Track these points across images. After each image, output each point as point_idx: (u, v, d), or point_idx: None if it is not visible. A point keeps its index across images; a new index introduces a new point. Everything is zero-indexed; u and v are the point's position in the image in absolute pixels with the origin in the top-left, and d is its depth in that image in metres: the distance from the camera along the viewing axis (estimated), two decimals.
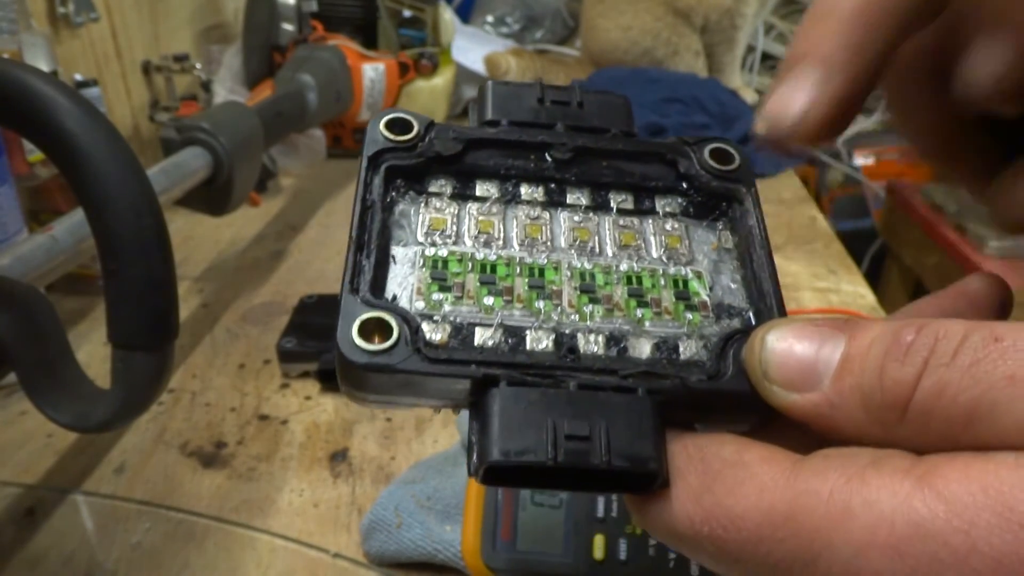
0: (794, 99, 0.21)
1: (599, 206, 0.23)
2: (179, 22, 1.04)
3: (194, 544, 0.44)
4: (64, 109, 0.30)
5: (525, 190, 0.23)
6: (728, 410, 0.19)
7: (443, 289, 0.20)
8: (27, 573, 0.42)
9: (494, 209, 0.23)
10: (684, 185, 0.24)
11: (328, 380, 0.57)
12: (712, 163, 0.23)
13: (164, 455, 0.51)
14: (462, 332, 0.20)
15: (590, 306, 0.21)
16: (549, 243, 0.22)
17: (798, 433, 0.17)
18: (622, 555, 0.37)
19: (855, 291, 0.71)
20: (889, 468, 0.15)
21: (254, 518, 0.46)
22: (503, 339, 0.20)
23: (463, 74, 1.16)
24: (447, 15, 1.06)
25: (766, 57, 1.77)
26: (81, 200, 0.31)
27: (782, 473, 0.16)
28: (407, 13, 1.03)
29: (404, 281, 0.21)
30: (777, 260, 0.23)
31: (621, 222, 0.23)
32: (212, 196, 0.64)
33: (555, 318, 0.20)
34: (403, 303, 0.20)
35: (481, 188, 0.23)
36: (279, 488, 0.48)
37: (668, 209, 0.23)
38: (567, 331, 0.20)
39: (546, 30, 1.48)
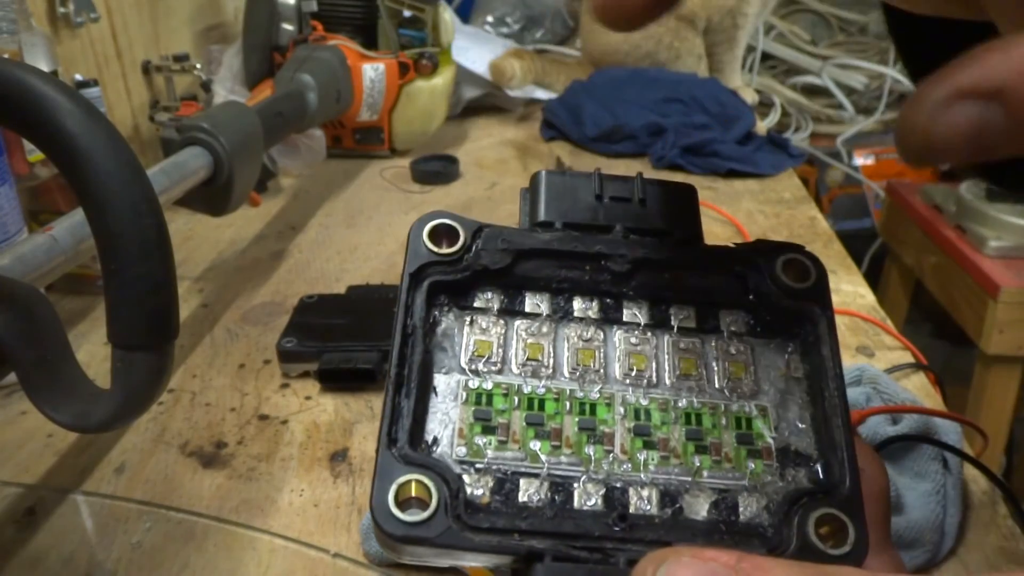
0: None
1: (658, 324, 0.21)
2: (179, 22, 1.04)
3: (194, 544, 0.44)
4: (64, 109, 0.30)
5: (578, 305, 0.21)
6: None
7: (487, 431, 0.19)
8: (27, 573, 0.42)
9: (544, 328, 0.21)
10: (752, 300, 0.22)
11: (328, 380, 0.57)
12: (784, 278, 0.21)
13: (164, 455, 0.51)
14: (505, 486, 0.18)
15: (644, 452, 0.19)
16: (602, 371, 0.20)
17: None
18: None
19: (855, 291, 0.71)
20: None
21: (254, 518, 0.46)
22: (549, 495, 0.18)
23: (463, 74, 1.16)
24: (447, 15, 1.06)
25: (766, 57, 1.76)
26: (81, 200, 0.31)
27: None
28: (407, 13, 1.03)
29: (445, 418, 0.19)
30: None
31: (682, 344, 0.21)
32: (212, 196, 0.64)
33: (605, 468, 0.19)
34: (444, 447, 0.19)
35: (531, 302, 0.21)
36: (279, 488, 0.48)
37: (733, 328, 0.22)
38: (618, 484, 0.19)
39: (546, 30, 1.48)
